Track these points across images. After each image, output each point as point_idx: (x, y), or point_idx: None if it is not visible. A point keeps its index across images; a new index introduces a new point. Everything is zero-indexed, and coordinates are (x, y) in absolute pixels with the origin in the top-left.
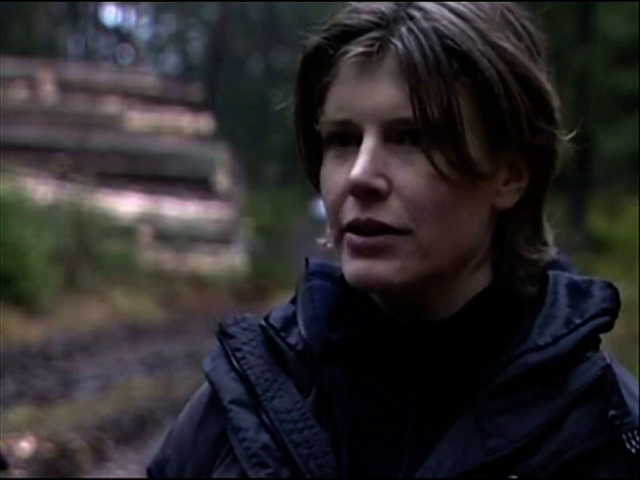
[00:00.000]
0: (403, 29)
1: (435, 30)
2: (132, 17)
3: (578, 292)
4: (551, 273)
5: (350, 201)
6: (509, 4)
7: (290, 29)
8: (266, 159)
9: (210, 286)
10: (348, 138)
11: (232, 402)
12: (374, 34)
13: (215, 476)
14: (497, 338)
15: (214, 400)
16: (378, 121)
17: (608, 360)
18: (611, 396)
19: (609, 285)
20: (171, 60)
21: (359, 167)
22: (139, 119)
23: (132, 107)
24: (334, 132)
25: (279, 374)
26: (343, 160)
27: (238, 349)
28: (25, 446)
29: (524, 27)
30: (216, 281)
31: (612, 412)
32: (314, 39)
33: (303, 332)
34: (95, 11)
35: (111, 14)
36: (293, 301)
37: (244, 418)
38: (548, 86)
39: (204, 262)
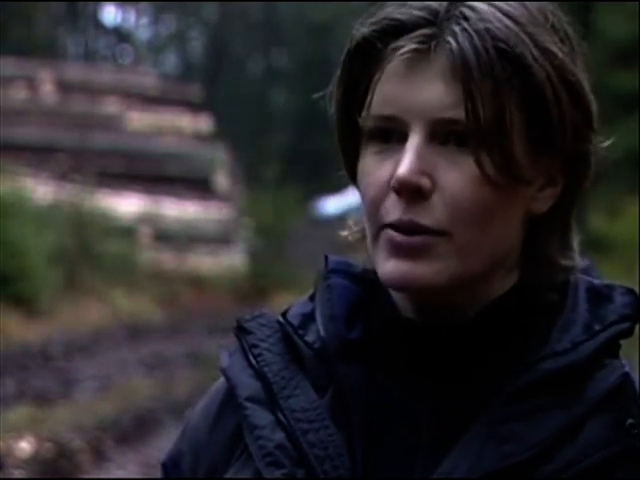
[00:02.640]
0: (457, 28)
1: (488, 31)
2: (132, 17)
3: (598, 297)
4: (572, 277)
5: (392, 198)
6: (551, 7)
7: (290, 29)
8: (266, 159)
9: (210, 286)
10: (391, 134)
11: (248, 399)
12: (426, 31)
13: (230, 474)
14: (516, 342)
15: (230, 396)
16: (425, 119)
17: (627, 368)
18: (629, 404)
19: (630, 291)
20: (171, 60)
21: (406, 165)
22: (139, 119)
23: (132, 107)
24: (378, 127)
25: (296, 372)
26: (385, 156)
27: (255, 345)
28: (25, 446)
29: (566, 32)
30: (216, 281)
31: (630, 421)
32: (362, 31)
33: (321, 331)
34: (95, 11)
35: (111, 14)
36: (312, 298)
37: (260, 416)
38: (590, 94)
39: (204, 262)
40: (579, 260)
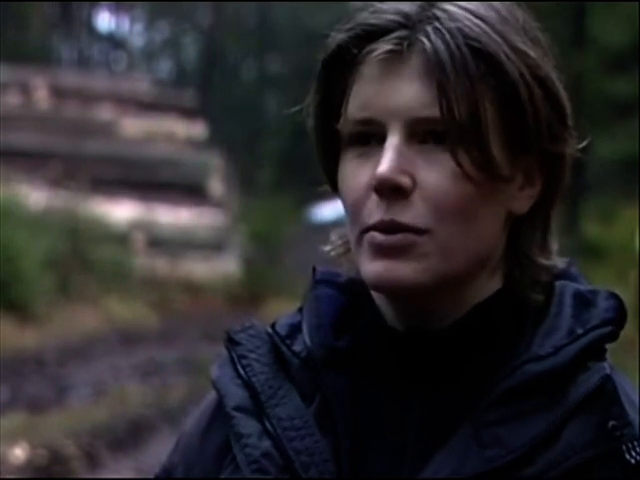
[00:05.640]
0: (429, 28)
1: (460, 30)
2: (126, 23)
3: (583, 302)
4: (558, 283)
5: (373, 201)
6: (520, 10)
7: (284, 35)
8: (260, 165)
9: (204, 292)
10: (370, 137)
11: (236, 408)
12: (400, 33)
13: None
14: (500, 347)
15: (220, 407)
16: (403, 119)
17: (608, 370)
18: (611, 406)
19: (613, 295)
20: (164, 66)
21: (386, 163)
22: (133, 125)
23: (126, 113)
24: (356, 131)
25: (284, 381)
26: (365, 159)
27: (244, 356)
28: (19, 453)
29: (535, 34)
30: (210, 287)
31: (612, 422)
32: (337, 38)
33: (307, 340)
34: (89, 17)
35: (105, 20)
36: (301, 309)
37: (247, 424)
38: (564, 92)
39: (198, 268)
40: (559, 261)
